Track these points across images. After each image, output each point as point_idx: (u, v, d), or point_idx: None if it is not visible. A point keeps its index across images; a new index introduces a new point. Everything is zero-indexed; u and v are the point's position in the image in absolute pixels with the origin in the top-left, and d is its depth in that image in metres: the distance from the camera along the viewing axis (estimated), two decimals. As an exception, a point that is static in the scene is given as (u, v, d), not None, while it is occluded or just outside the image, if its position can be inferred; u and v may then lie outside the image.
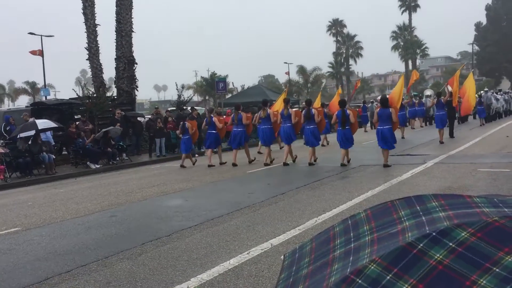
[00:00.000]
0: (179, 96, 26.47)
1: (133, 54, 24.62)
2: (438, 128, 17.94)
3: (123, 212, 8.96)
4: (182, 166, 15.80)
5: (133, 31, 24.49)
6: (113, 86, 25.98)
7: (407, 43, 70.27)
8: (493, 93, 31.40)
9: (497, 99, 29.82)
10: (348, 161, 13.35)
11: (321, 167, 13.37)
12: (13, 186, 14.43)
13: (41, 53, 34.22)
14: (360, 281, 1.21)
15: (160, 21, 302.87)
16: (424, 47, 70.50)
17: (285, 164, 14.07)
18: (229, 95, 42.12)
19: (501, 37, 69.74)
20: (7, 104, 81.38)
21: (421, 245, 1.23)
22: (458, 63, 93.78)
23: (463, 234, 1.22)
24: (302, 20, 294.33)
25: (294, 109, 15.57)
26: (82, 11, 23.81)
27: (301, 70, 64.37)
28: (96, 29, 23.95)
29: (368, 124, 29.12)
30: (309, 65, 68.07)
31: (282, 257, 1.85)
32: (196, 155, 18.39)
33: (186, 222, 7.65)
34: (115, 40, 24.32)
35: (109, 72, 28.18)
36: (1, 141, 17.00)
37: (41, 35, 34.06)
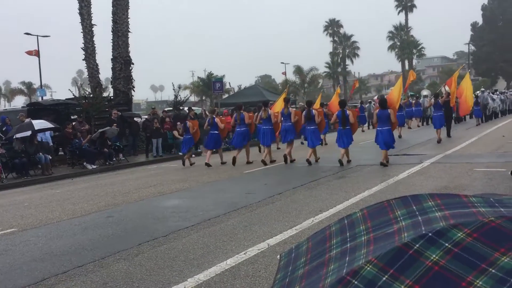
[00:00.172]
0: (176, 97, 26.44)
1: (130, 54, 24.58)
2: (436, 128, 18.13)
3: (119, 213, 8.94)
4: (191, 163, 16.18)
5: (129, 31, 24.43)
6: (110, 86, 25.97)
7: (403, 43, 70.39)
8: (489, 93, 31.50)
9: (493, 99, 29.94)
10: (348, 161, 13.38)
11: (318, 167, 13.39)
12: (9, 187, 14.39)
13: (37, 53, 34.11)
14: (356, 282, 1.21)
15: (157, 22, 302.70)
16: (420, 47, 70.65)
17: (288, 161, 14.45)
18: (226, 95, 42.13)
19: (497, 37, 69.96)
20: (3, 105, 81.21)
21: (417, 245, 1.22)
22: (454, 63, 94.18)
23: (459, 234, 1.22)
24: (299, 20, 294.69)
25: (293, 109, 15.73)
26: (78, 11, 23.74)
27: (298, 70, 64.49)
28: (93, 29, 23.87)
29: (366, 124, 29.19)
30: (305, 65, 68.39)
31: (278, 257, 1.85)
32: (193, 155, 18.42)
33: (183, 222, 7.64)
34: (111, 40, 24.26)
35: (105, 72, 28.19)
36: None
37: (37, 35, 33.94)
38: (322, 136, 17.66)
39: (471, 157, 13.06)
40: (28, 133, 15.78)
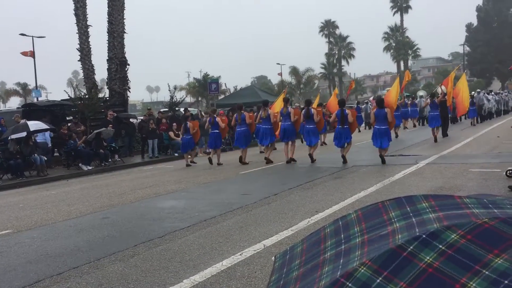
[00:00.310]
0: (172, 97, 26.42)
1: (125, 55, 24.54)
2: (431, 127, 18.39)
3: (115, 214, 8.91)
4: (188, 165, 16.22)
5: (125, 32, 24.38)
6: (105, 87, 25.86)
7: (399, 44, 70.62)
8: (484, 93, 31.64)
9: (488, 100, 30.07)
10: (344, 162, 13.41)
11: (314, 168, 13.41)
12: (4, 188, 14.31)
13: (32, 54, 34.05)
14: (350, 285, 1.21)
15: (153, 22, 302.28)
16: (415, 48, 70.94)
17: (291, 160, 14.63)
18: (222, 96, 42.11)
19: (492, 38, 70.22)
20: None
21: (411, 247, 1.23)
22: (449, 64, 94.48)
23: (453, 236, 1.22)
24: (295, 21, 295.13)
25: (292, 108, 15.92)
26: (73, 12, 23.67)
27: (294, 71, 64.54)
28: (88, 30, 23.80)
29: (363, 125, 29.23)
30: (301, 66, 68.35)
31: (273, 258, 1.85)
32: (207, 151, 18.64)
33: (178, 223, 7.63)
34: (107, 41, 24.22)
35: (101, 73, 28.11)
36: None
37: (33, 36, 33.91)
38: (321, 135, 17.99)
39: (466, 157, 13.11)
40: (24, 134, 15.71)
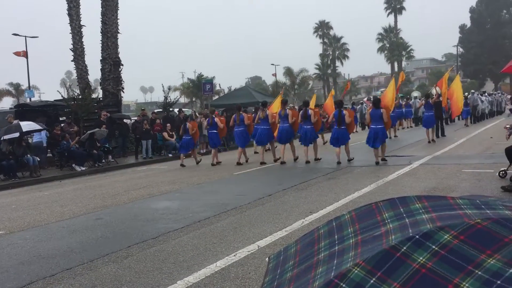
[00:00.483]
0: (166, 98, 26.36)
1: (119, 56, 24.47)
2: (425, 128, 18.52)
3: (109, 215, 8.88)
4: (182, 165, 16.18)
5: (119, 32, 24.33)
6: (99, 87, 25.77)
7: (392, 45, 70.80)
8: (478, 94, 31.84)
9: (481, 101, 30.25)
10: (338, 163, 13.45)
11: (309, 169, 13.43)
12: (-3, 189, 14.22)
13: (25, 54, 33.84)
14: (344, 285, 1.21)
15: (146, 23, 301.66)
16: (409, 49, 71.13)
17: (282, 162, 14.73)
18: (216, 97, 42.05)
19: (485, 39, 70.57)
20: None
21: (405, 248, 1.23)
22: (443, 65, 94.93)
23: (445, 236, 1.23)
24: (289, 23, 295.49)
25: (290, 110, 15.99)
26: (67, 12, 23.58)
27: (288, 71, 64.59)
28: (82, 30, 23.72)
29: (358, 125, 29.30)
30: (296, 67, 68.48)
31: (267, 259, 1.84)
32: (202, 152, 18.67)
33: (172, 224, 7.61)
34: (100, 42, 24.15)
35: (94, 73, 28.11)
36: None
37: (26, 36, 33.69)
38: (320, 135, 18.19)
39: (460, 158, 13.17)
40: (16, 134, 15.62)
